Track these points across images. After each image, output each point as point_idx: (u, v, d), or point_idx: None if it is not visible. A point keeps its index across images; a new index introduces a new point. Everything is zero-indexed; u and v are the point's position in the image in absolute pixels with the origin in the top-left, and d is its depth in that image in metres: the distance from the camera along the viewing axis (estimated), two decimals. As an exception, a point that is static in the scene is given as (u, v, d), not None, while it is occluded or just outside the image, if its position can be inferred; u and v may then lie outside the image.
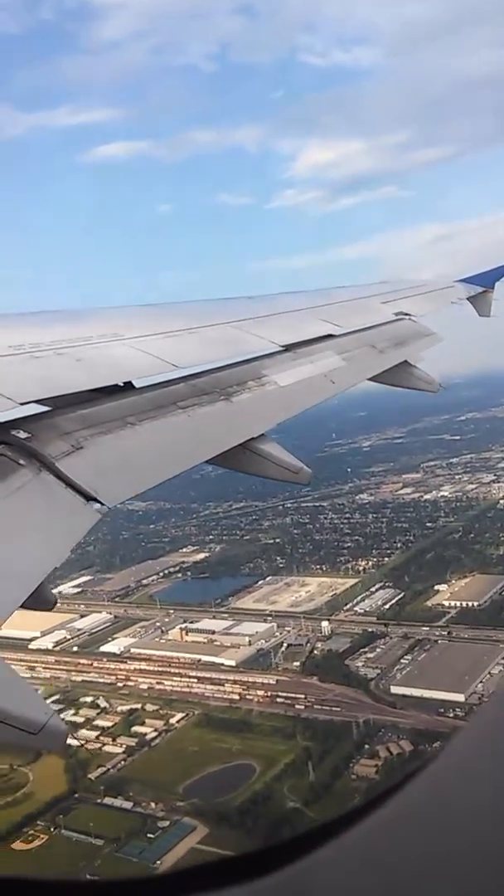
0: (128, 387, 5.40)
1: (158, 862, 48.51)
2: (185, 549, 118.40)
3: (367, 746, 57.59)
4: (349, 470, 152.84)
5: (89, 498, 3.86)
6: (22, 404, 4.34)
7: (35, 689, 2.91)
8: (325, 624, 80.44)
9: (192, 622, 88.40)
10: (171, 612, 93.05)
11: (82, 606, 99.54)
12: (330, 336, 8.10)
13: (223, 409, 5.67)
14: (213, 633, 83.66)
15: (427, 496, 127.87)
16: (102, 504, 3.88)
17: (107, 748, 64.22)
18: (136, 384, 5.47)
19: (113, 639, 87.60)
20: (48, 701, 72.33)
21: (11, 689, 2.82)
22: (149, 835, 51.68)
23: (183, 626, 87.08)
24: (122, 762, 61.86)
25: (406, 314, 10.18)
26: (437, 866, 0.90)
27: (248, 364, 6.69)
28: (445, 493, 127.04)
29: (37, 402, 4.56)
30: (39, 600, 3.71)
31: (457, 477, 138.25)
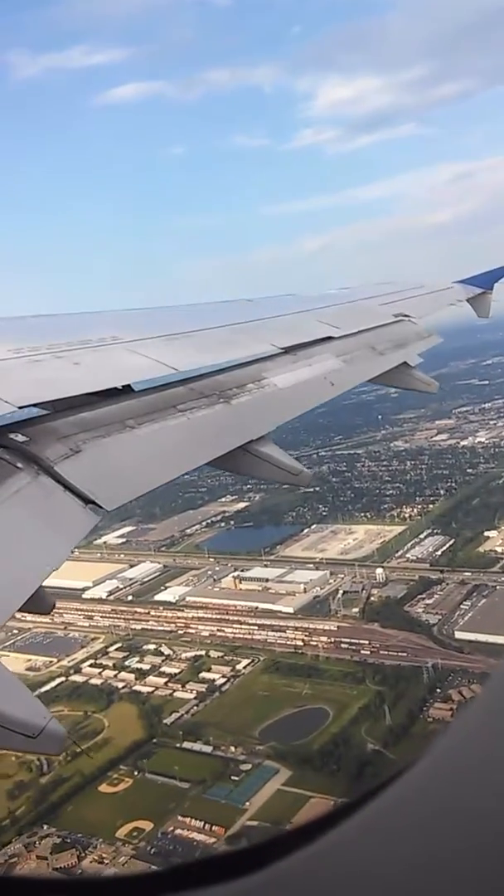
0: (126, 390, 5.36)
1: (247, 803, 49.99)
2: (223, 499, 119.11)
3: (438, 690, 58.60)
4: (380, 417, 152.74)
5: (87, 501, 3.86)
6: (20, 408, 4.34)
7: (33, 694, 3.12)
8: (379, 571, 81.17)
9: (243, 570, 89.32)
10: (220, 560, 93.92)
11: (130, 556, 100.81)
12: (329, 338, 8.08)
13: (222, 412, 5.64)
14: (267, 580, 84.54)
15: (464, 442, 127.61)
16: (101, 507, 3.88)
17: (177, 694, 65.57)
18: (135, 387, 5.44)
19: (166, 587, 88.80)
20: (112, 648, 74.04)
21: (11, 693, 2.85)
22: (232, 777, 53.00)
23: (235, 574, 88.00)
24: (195, 707, 63.18)
25: (405, 316, 10.19)
26: (431, 859, 0.90)
27: (248, 366, 6.66)
28: (482, 440, 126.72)
29: (35, 405, 4.58)
30: (37, 604, 3.76)
31: (491, 423, 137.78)
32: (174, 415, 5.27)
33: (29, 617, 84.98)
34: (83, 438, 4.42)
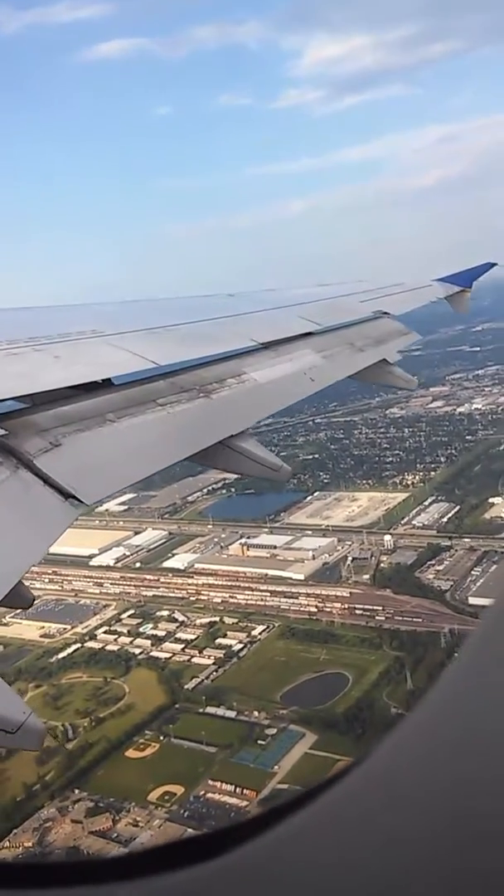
0: (107, 384, 5.38)
1: (276, 767, 50.98)
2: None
3: (456, 655, 59.61)
4: (373, 385, 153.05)
5: (67, 496, 3.85)
6: None
7: (12, 689, 3.20)
8: (387, 538, 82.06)
9: (249, 538, 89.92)
10: (225, 528, 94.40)
11: (135, 524, 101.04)
12: (309, 334, 8.17)
13: (203, 406, 5.67)
14: (275, 548, 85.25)
15: (460, 409, 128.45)
16: (80, 502, 3.87)
17: (195, 660, 66.34)
18: (115, 381, 5.46)
19: (173, 555, 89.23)
20: (125, 615, 74.54)
21: None
22: (259, 742, 53.93)
23: (242, 541, 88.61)
24: (214, 673, 63.99)
25: (384, 313, 10.34)
26: (387, 845, 0.91)
27: (228, 361, 6.71)
28: (478, 406, 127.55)
29: (14, 398, 4.62)
30: (16, 599, 3.83)
31: (486, 389, 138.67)
32: (154, 409, 5.27)
33: (38, 584, 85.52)
34: (63, 432, 4.42)
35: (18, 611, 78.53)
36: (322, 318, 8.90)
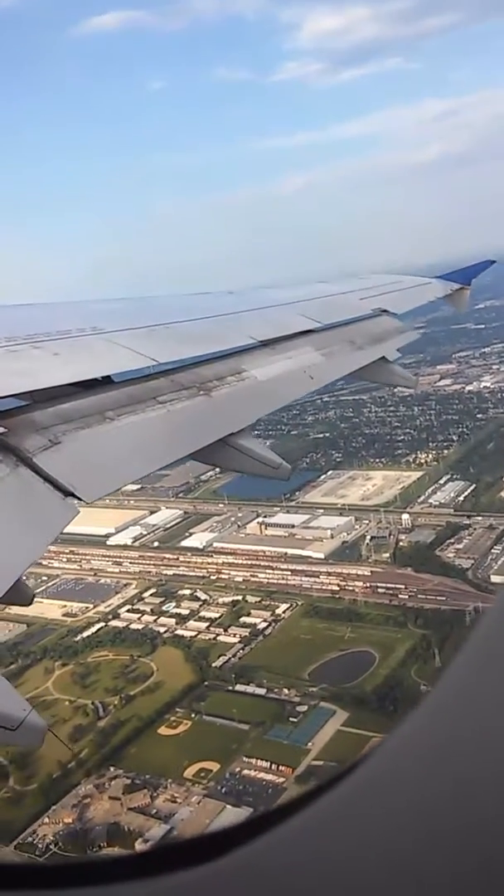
0: (106, 381, 5.38)
1: (310, 744, 51.67)
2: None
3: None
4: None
5: (67, 493, 3.85)
6: None
7: (12, 686, 3.33)
8: (405, 516, 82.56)
9: (266, 517, 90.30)
10: (241, 507, 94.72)
11: (150, 503, 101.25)
12: (309, 331, 8.19)
13: (202, 404, 5.66)
14: (293, 527, 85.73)
15: (469, 387, 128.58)
16: (80, 500, 3.87)
17: (221, 638, 66.90)
18: (115, 378, 5.47)
19: (190, 534, 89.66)
20: (147, 594, 75.00)
21: None
22: (291, 719, 54.60)
23: (260, 520, 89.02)
24: (241, 651, 64.56)
25: (384, 310, 10.35)
26: (388, 847, 0.93)
27: (228, 359, 6.70)
28: (487, 384, 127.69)
29: (13, 396, 4.62)
30: (16, 596, 3.88)
31: (494, 367, 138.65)
32: (154, 407, 5.26)
33: (56, 563, 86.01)
34: (62, 430, 4.42)
35: (41, 589, 79.18)
36: (322, 315, 8.93)
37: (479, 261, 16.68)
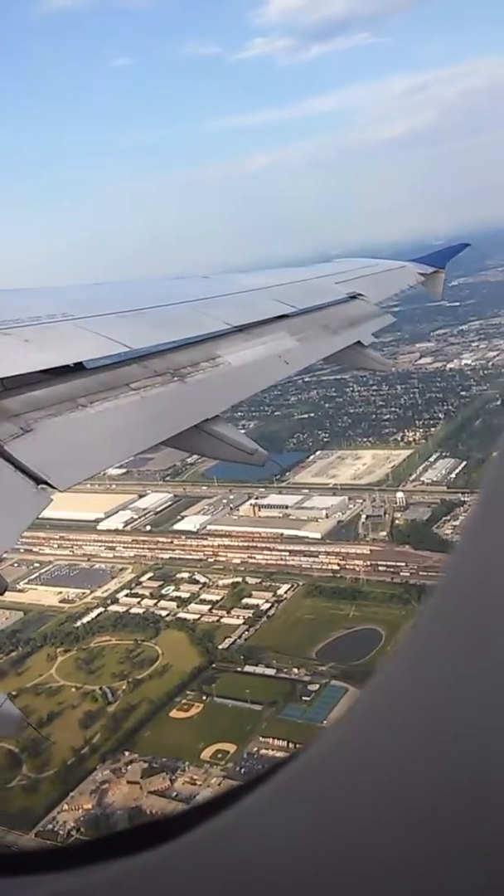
0: (78, 368, 5.36)
1: (325, 721, 51.69)
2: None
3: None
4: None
5: (39, 481, 3.83)
6: None
7: None
8: (399, 495, 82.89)
9: (258, 498, 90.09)
10: (232, 489, 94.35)
11: (137, 487, 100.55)
12: (283, 316, 8.21)
13: (176, 390, 5.64)
14: (287, 507, 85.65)
15: (450, 365, 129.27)
16: (53, 488, 3.85)
17: (224, 620, 66.73)
18: (87, 365, 5.46)
19: (182, 517, 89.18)
20: (144, 578, 74.58)
21: None
22: (303, 698, 54.68)
23: (253, 502, 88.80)
24: (246, 632, 64.45)
25: (359, 294, 10.43)
26: (332, 832, 0.94)
27: (202, 344, 6.71)
28: (468, 362, 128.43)
29: None
30: None
31: (473, 345, 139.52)
32: (127, 393, 5.23)
33: (47, 549, 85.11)
34: (34, 417, 4.40)
35: (34, 576, 78.30)
36: (296, 300, 8.87)
37: (452, 242, 16.57)
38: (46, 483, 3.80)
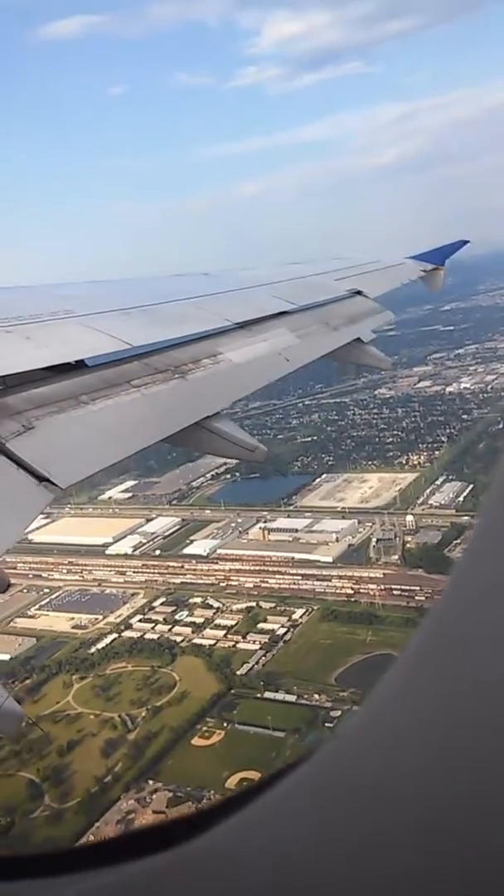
0: (80, 365, 5.38)
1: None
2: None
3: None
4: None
5: (41, 479, 3.84)
6: None
7: None
8: (409, 518, 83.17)
9: (266, 522, 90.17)
10: (239, 512, 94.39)
11: (144, 511, 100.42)
12: (283, 313, 8.27)
13: (177, 388, 5.66)
14: (296, 531, 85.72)
15: (449, 389, 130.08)
16: (55, 485, 3.86)
17: (241, 645, 66.50)
18: (89, 362, 5.46)
19: (191, 541, 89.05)
20: (157, 603, 74.27)
21: None
22: (326, 724, 54.47)
23: (262, 525, 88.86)
24: (263, 657, 64.26)
25: (359, 291, 10.51)
26: (334, 839, 0.95)
27: (203, 341, 6.74)
28: (467, 385, 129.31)
29: None
30: None
31: (470, 368, 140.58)
32: (128, 390, 5.25)
33: (57, 574, 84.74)
34: (36, 415, 4.41)
35: (45, 602, 77.87)
36: (296, 297, 8.97)
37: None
38: (48, 480, 3.82)
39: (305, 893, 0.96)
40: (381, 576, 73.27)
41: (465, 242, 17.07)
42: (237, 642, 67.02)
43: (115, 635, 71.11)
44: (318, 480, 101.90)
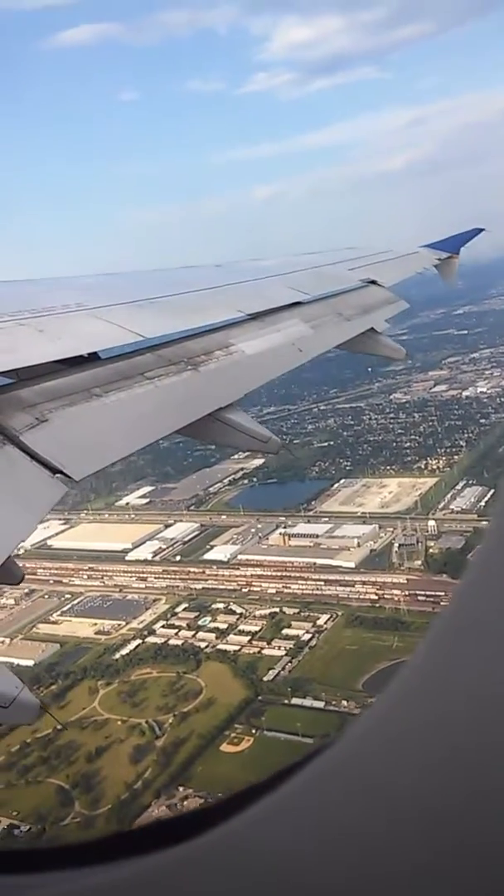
0: (93, 358, 5.38)
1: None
2: (236, 457, 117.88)
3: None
4: (370, 369, 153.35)
5: (55, 471, 3.84)
6: None
7: (4, 665, 3.38)
8: (431, 523, 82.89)
9: (285, 527, 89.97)
10: (259, 518, 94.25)
11: (162, 516, 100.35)
12: (297, 303, 8.22)
13: (190, 379, 5.63)
14: (317, 536, 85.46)
15: (466, 393, 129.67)
16: (69, 477, 3.86)
17: (266, 651, 66.28)
18: (102, 355, 5.47)
19: (211, 546, 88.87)
20: (179, 609, 74.13)
21: None
22: (356, 730, 54.12)
23: (282, 531, 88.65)
24: (289, 663, 64.04)
25: (372, 281, 10.43)
26: (346, 835, 0.96)
27: (215, 333, 6.70)
28: (483, 390, 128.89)
29: None
30: (6, 575, 3.88)
31: (486, 372, 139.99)
32: (142, 382, 5.23)
33: (77, 580, 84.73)
34: (49, 407, 4.40)
35: (67, 608, 77.83)
36: (310, 287, 8.91)
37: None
38: (62, 473, 3.83)
39: (308, 892, 0.97)
40: (405, 581, 73.01)
41: (481, 230, 16.98)
42: (262, 648, 66.81)
43: (138, 641, 71.03)
44: (336, 485, 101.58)
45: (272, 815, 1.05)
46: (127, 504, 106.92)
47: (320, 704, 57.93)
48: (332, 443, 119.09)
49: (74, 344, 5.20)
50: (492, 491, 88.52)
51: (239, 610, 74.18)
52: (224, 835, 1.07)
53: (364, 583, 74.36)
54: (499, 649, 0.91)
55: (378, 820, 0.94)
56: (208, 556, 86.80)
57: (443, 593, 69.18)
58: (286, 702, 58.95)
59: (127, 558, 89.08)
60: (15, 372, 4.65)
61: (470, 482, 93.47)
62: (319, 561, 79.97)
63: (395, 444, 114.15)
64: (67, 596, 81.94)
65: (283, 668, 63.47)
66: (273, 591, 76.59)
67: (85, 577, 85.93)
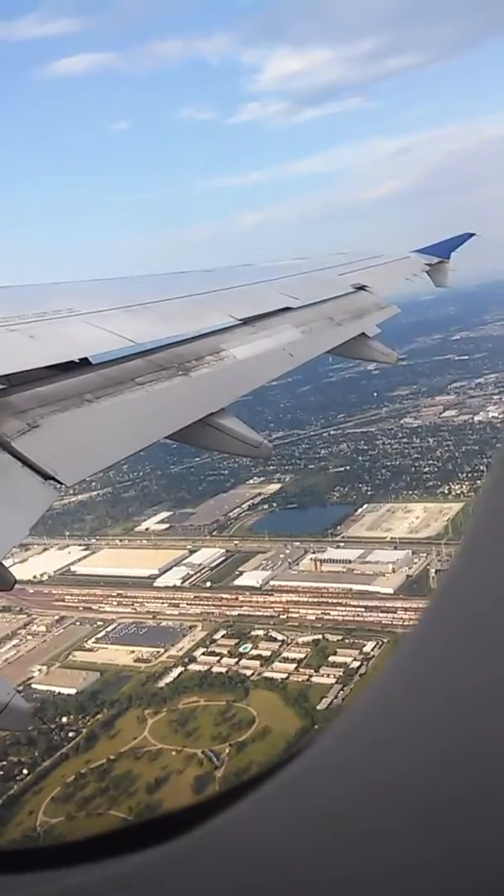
0: (84, 363, 5.40)
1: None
2: (251, 482, 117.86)
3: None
4: (375, 394, 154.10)
5: (46, 477, 3.86)
6: None
7: None
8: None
9: (315, 552, 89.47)
10: (286, 543, 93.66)
11: (185, 542, 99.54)
12: (288, 309, 8.28)
13: (182, 385, 5.67)
14: (350, 562, 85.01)
15: (478, 417, 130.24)
16: (61, 483, 3.89)
17: (315, 679, 65.46)
18: (93, 360, 5.50)
19: (241, 572, 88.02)
20: (218, 636, 73.32)
21: None
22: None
23: (313, 556, 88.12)
24: (341, 691, 63.30)
25: (363, 286, 10.54)
26: (333, 833, 0.96)
27: (207, 338, 6.76)
28: (495, 415, 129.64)
29: None
30: None
31: (495, 397, 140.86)
32: (133, 388, 5.26)
33: (108, 607, 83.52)
34: (40, 413, 4.42)
35: (101, 635, 76.61)
36: (301, 292, 8.95)
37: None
38: (54, 479, 3.83)
39: (305, 886, 0.96)
40: (448, 607, 72.51)
41: (471, 235, 16.98)
42: (310, 676, 65.92)
43: (180, 668, 69.92)
44: (360, 511, 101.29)
45: (265, 810, 1.04)
46: (147, 529, 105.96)
47: (380, 733, 57.09)
48: (348, 467, 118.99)
49: (65, 349, 5.21)
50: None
51: (280, 637, 73.31)
52: (217, 828, 1.06)
53: (406, 609, 73.81)
54: (485, 638, 0.90)
55: (369, 809, 0.93)
56: (239, 581, 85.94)
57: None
58: (344, 730, 58.06)
59: (155, 584, 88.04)
60: (6, 378, 4.62)
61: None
62: (355, 587, 79.38)
63: (413, 468, 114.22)
64: (99, 623, 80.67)
65: (336, 696, 62.63)
66: (312, 616, 75.83)
67: (115, 603, 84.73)
